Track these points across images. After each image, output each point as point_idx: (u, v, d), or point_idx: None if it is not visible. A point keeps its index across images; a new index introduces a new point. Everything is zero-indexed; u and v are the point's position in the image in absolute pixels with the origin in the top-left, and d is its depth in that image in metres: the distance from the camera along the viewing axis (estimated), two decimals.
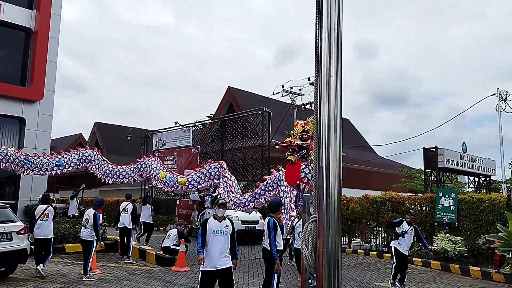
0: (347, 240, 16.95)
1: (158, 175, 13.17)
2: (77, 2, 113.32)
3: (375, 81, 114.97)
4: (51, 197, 12.07)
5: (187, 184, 12.58)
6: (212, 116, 29.22)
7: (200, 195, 17.26)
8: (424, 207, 15.02)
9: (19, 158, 13.95)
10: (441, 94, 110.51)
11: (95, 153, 14.47)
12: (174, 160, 19.53)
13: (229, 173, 12.53)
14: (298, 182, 8.59)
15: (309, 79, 24.76)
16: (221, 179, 12.13)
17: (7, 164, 13.91)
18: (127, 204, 12.88)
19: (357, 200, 16.79)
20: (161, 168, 13.39)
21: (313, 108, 26.15)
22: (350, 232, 17.00)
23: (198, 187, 12.84)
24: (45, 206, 10.01)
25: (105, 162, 14.32)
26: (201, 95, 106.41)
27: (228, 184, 11.81)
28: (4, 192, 20.06)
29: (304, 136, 8.57)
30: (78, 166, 14.29)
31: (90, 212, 10.12)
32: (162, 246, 12.49)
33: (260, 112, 19.17)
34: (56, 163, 14.04)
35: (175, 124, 23.91)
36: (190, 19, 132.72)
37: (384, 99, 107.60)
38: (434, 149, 17.32)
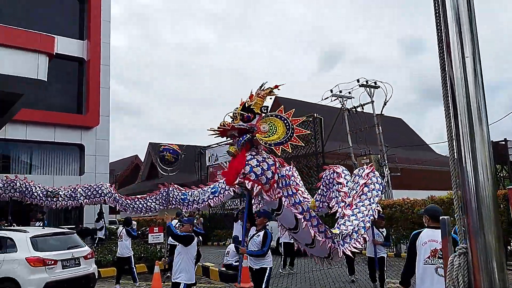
0: None
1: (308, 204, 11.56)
2: (125, 30, 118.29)
3: (424, 77, 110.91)
4: (120, 219, 12.31)
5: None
6: None
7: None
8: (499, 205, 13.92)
9: (178, 195, 13.64)
10: (502, 83, 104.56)
11: None
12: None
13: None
14: (240, 179, 5.49)
15: (358, 80, 24.03)
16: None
17: (175, 204, 13.62)
18: (122, 230, 11.77)
19: (422, 202, 15.87)
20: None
21: (364, 110, 25.45)
22: None
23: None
24: (121, 228, 11.05)
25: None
26: None
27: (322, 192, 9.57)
28: (70, 216, 20.84)
29: (245, 115, 5.74)
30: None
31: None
32: (224, 263, 12.30)
33: (311, 119, 18.75)
34: (212, 191, 13.06)
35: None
36: (231, 36, 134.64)
37: (435, 95, 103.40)
38: (503, 142, 16.12)
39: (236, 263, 11.82)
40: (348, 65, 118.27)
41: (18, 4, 20.54)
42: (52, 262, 8.37)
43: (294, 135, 5.62)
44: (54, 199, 14.38)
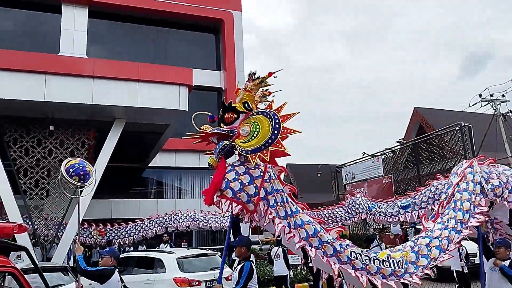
0: None
1: None
2: (257, 58, 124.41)
3: None
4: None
5: None
6: (402, 141, 27.30)
7: (402, 227, 15.74)
8: None
9: (366, 204, 13.61)
10: None
11: None
12: (364, 192, 18.58)
13: None
14: (218, 197, 4.39)
15: None
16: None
17: (357, 214, 13.91)
18: (278, 249, 11.50)
19: None
20: None
21: None
22: None
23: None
24: (277, 247, 11.20)
25: None
26: (385, 122, 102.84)
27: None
28: (216, 237, 21.99)
29: (227, 117, 4.65)
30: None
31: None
32: None
33: (457, 127, 16.89)
34: (402, 205, 11.91)
35: (363, 155, 23.01)
36: (363, 51, 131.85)
37: None
38: None
39: None
40: (496, 67, 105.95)
41: (161, 43, 22.93)
42: (197, 282, 8.71)
43: (279, 137, 4.29)
44: None
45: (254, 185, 4.28)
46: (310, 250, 4.31)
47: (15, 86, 11.30)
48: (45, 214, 12.92)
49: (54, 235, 12.87)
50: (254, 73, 4.70)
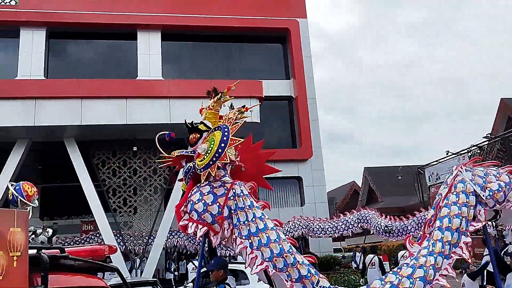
0: None
1: None
2: (326, 62, 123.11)
3: None
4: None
5: None
6: (490, 136, 25.41)
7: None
8: None
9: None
10: None
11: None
12: None
13: None
14: (186, 220, 4.31)
15: None
16: None
17: None
18: (373, 257, 11.35)
19: None
20: None
21: None
22: None
23: None
24: (372, 255, 11.15)
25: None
26: (467, 117, 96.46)
27: None
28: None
29: (191, 138, 4.64)
30: None
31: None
32: None
33: None
34: None
35: (447, 154, 21.71)
36: (439, 44, 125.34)
37: None
38: None
39: None
40: None
41: (230, 58, 23.50)
42: None
43: (226, 149, 4.13)
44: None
45: (217, 204, 4.16)
46: (273, 270, 3.97)
47: (101, 112, 12.19)
48: (133, 231, 13.69)
49: (143, 249, 13.57)
50: (213, 91, 4.75)
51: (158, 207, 13.89)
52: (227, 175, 4.44)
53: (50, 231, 3.25)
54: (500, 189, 4.60)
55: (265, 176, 5.17)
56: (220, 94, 4.78)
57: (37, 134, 12.70)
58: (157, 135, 4.84)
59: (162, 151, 4.67)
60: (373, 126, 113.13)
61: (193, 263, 12.86)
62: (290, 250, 4.08)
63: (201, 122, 4.68)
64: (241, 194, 4.27)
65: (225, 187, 4.27)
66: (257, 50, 24.10)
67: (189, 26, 22.11)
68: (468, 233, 4.43)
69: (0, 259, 2.57)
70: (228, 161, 4.25)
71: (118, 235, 13.15)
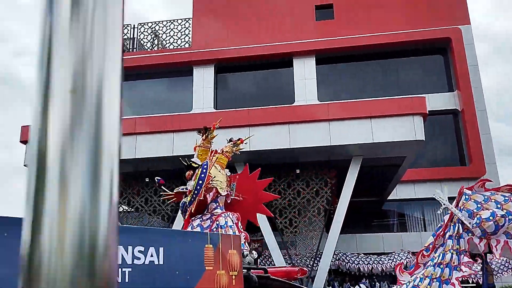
0: None
1: None
2: (493, 68, 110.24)
3: None
4: None
5: None
6: None
7: None
8: None
9: None
10: None
11: None
12: None
13: None
14: None
15: None
16: None
17: None
18: None
19: None
20: None
21: None
22: None
23: None
24: None
25: None
26: None
27: None
28: None
29: (187, 175, 5.13)
30: None
31: None
32: None
33: None
34: None
35: None
36: None
37: None
38: None
39: None
40: None
41: (387, 75, 22.86)
42: None
43: (205, 183, 4.51)
44: None
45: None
46: None
47: (265, 137, 13.09)
48: (299, 251, 14.16)
49: (309, 270, 13.93)
50: (203, 129, 5.21)
51: (322, 228, 14.15)
52: (218, 207, 4.89)
53: (254, 253, 3.69)
54: (491, 218, 4.02)
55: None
56: (207, 132, 5.30)
57: None
58: (156, 178, 5.55)
59: (165, 189, 5.34)
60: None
61: (359, 286, 12.72)
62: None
63: (190, 160, 5.18)
64: (225, 225, 4.68)
65: (211, 219, 4.77)
66: (415, 64, 23.03)
67: (342, 47, 22.34)
68: (462, 267, 3.96)
69: (222, 277, 3.04)
70: (220, 195, 4.72)
71: (287, 255, 13.76)
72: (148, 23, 24.31)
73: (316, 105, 16.23)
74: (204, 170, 4.95)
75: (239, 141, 5.75)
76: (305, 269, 3.98)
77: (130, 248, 2.28)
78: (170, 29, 23.89)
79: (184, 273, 2.58)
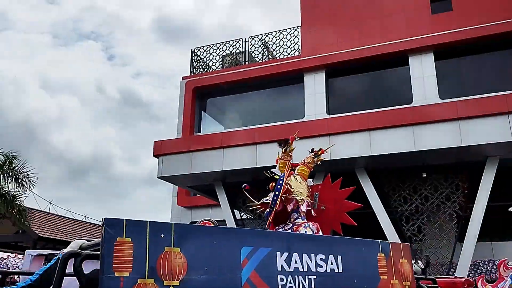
0: None
1: None
2: None
3: None
4: None
5: None
6: None
7: None
8: None
9: None
10: None
11: None
12: None
13: None
14: None
15: None
16: None
17: None
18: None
19: None
20: None
21: None
22: None
23: None
24: None
25: None
26: None
27: None
28: None
29: (270, 186, 5.16)
30: None
31: None
32: None
33: None
34: None
35: None
36: None
37: None
38: None
39: None
40: None
41: (480, 73, 20.52)
42: None
43: (280, 195, 4.88)
44: None
45: None
46: None
47: (388, 141, 12.56)
48: (432, 259, 13.27)
49: None
50: (283, 142, 5.35)
51: (455, 235, 13.07)
52: (299, 217, 5.06)
53: (420, 263, 3.48)
54: None
55: None
56: (286, 146, 5.39)
57: (332, 166, 13.98)
58: (243, 187, 5.68)
59: (252, 199, 5.57)
60: None
61: None
62: None
63: (271, 171, 5.44)
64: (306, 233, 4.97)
65: (292, 229, 4.95)
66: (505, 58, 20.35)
67: (464, 40, 20.61)
68: None
69: (397, 287, 2.90)
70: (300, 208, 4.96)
71: (415, 263, 12.98)
72: (258, 35, 25.00)
73: (437, 104, 15.08)
74: (281, 182, 5.20)
75: (320, 152, 5.84)
76: (471, 280, 3.64)
77: (313, 256, 2.27)
78: (279, 39, 24.33)
79: (361, 282, 2.51)
